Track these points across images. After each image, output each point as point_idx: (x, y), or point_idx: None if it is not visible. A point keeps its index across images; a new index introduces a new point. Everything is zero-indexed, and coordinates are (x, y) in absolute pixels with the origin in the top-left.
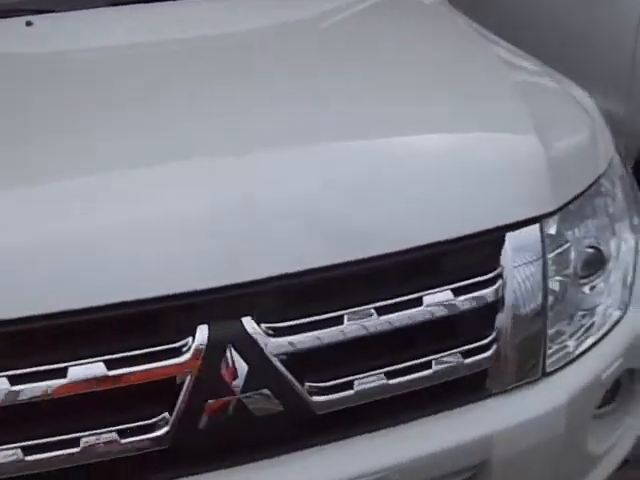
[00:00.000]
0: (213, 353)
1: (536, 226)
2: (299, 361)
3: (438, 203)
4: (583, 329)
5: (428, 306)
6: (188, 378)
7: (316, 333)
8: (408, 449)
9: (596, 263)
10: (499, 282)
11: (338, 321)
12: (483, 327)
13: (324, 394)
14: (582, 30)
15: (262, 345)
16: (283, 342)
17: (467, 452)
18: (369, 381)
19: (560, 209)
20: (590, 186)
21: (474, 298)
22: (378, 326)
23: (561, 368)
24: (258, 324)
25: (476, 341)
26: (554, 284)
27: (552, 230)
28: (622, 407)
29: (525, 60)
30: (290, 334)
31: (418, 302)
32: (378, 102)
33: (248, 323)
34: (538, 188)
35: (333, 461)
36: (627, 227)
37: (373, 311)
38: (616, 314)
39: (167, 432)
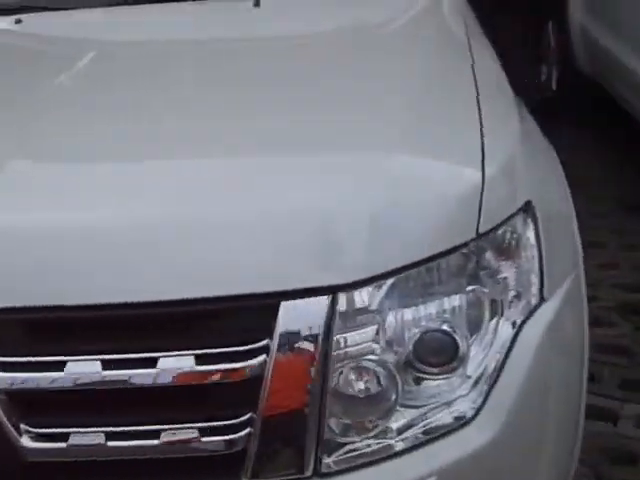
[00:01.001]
0: None
1: (324, 298)
2: (18, 401)
3: (192, 254)
4: (396, 430)
5: (163, 370)
6: None
7: (35, 375)
8: None
9: (444, 352)
10: (262, 357)
11: (59, 367)
12: (236, 405)
13: (37, 441)
14: None
15: None
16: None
17: None
18: (85, 438)
19: (376, 278)
20: (445, 253)
21: (223, 370)
22: (102, 380)
23: (347, 471)
24: None
25: (224, 419)
26: (352, 370)
27: (357, 304)
28: None
29: (466, 78)
30: (11, 371)
31: (151, 363)
32: None
33: None
34: (340, 251)
35: None
36: (518, 310)
37: (97, 363)
38: (451, 418)
39: None
